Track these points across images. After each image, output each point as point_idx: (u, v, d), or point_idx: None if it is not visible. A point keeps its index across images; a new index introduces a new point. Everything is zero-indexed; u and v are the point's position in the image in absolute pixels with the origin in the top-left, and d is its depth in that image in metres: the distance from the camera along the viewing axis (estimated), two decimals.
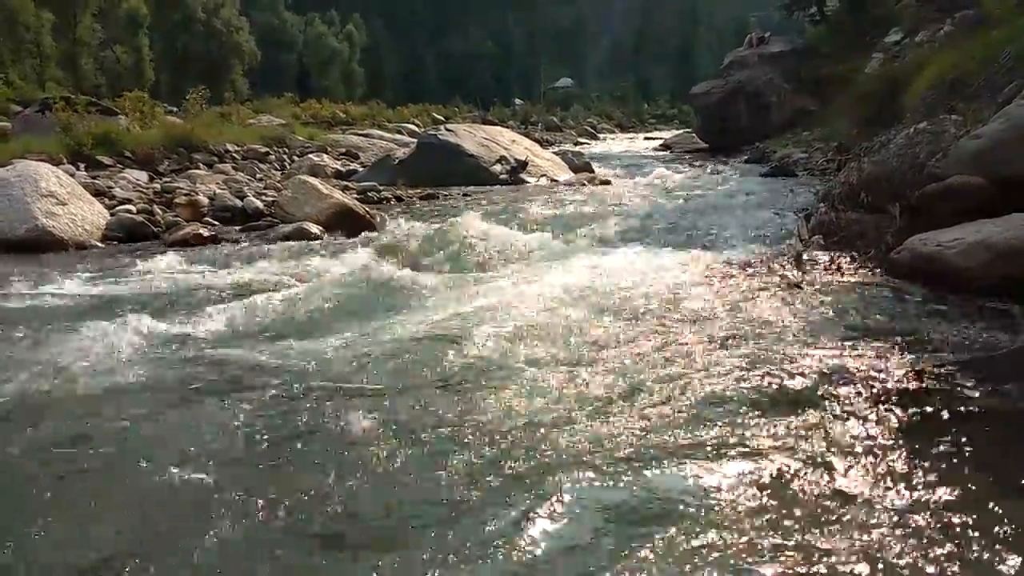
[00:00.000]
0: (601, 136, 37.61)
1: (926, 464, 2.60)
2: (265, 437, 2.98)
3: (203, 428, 3.07)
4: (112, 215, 8.47)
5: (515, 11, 75.08)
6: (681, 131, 30.29)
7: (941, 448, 2.72)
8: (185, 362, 3.87)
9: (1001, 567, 2.06)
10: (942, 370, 3.45)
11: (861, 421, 2.96)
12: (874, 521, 2.27)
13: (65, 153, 11.44)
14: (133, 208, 8.80)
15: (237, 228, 8.61)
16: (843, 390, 3.26)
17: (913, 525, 2.25)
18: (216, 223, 8.77)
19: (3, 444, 2.94)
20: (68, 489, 2.62)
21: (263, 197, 9.87)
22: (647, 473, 2.59)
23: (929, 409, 3.05)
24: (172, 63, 43.63)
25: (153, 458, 2.81)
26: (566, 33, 78.38)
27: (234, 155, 14.21)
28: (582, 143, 30.09)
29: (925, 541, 2.17)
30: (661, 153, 23.28)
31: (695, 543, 2.18)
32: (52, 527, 2.39)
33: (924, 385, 3.29)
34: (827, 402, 3.14)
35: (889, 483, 2.49)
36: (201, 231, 8.05)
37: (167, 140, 13.25)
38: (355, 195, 10.40)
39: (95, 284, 5.84)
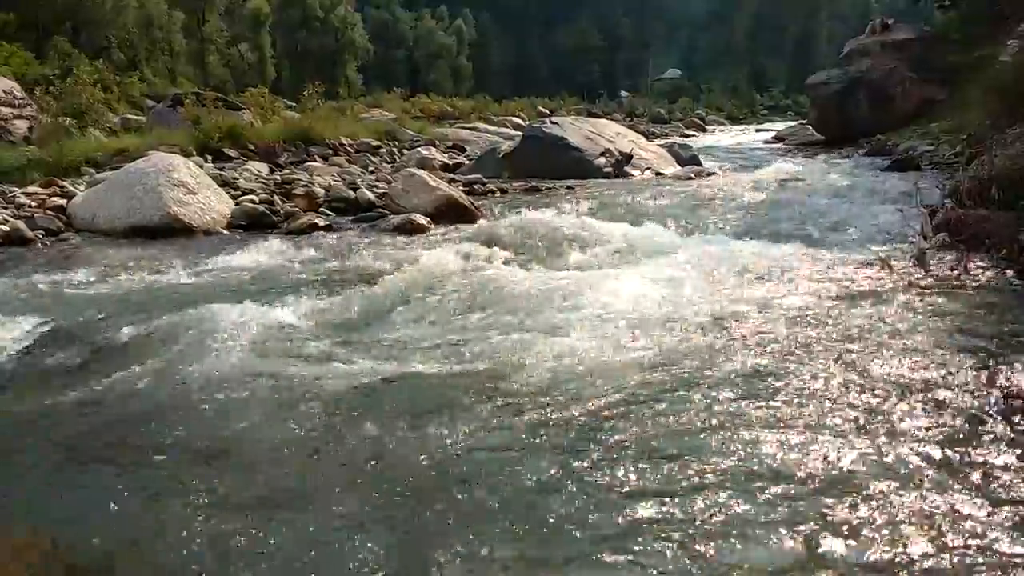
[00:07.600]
0: (710, 128, 36.69)
1: None
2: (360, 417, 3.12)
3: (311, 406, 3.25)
4: (236, 204, 8.97)
5: (625, 1, 74.17)
6: (795, 123, 29.17)
7: None
8: (304, 339, 4.10)
9: None
10: None
11: (971, 430, 2.82)
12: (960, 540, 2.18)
13: (195, 146, 12.19)
14: (255, 198, 9.28)
15: (350, 218, 8.95)
16: (958, 399, 3.09)
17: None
18: (331, 213, 9.14)
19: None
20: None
21: (375, 189, 10.20)
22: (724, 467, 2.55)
23: None
24: (291, 60, 45.65)
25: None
26: (677, 23, 76.81)
27: (348, 148, 14.74)
28: (690, 135, 29.43)
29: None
30: (774, 146, 22.48)
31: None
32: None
33: None
34: (939, 410, 3.00)
35: (984, 500, 2.37)
36: (317, 221, 8.42)
37: (286, 134, 13.90)
38: (461, 187, 10.59)
39: (222, 266, 6.35)
